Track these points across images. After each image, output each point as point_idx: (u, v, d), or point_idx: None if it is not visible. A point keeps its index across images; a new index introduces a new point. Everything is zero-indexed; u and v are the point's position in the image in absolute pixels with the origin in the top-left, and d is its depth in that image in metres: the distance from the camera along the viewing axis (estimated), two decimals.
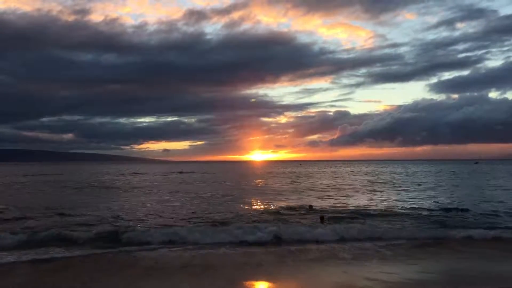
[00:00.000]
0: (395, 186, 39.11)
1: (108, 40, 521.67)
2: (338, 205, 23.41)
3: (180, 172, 78.93)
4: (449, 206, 22.01)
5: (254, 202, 24.00)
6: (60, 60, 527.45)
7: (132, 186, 41.27)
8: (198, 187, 39.27)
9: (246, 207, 21.76)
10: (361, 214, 19.61)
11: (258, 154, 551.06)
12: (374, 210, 21.16)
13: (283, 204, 23.07)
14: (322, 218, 17.43)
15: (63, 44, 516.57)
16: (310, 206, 21.25)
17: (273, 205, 22.40)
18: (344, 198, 27.66)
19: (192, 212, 20.05)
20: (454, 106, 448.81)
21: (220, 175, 68.25)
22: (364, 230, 14.92)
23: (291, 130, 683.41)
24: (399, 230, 15.22)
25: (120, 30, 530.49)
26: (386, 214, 19.61)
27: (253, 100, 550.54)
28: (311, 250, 12.67)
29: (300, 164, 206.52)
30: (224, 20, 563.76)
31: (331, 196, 29.15)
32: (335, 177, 61.20)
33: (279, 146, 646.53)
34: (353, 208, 21.91)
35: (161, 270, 10.29)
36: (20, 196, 29.61)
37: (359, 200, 26.15)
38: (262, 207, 21.94)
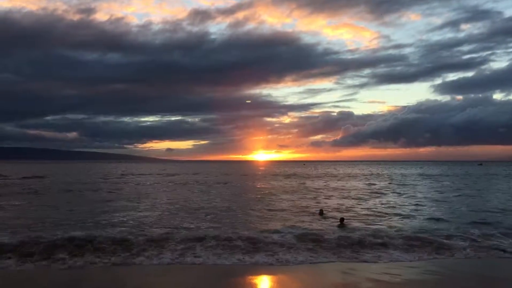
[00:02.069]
0: (414, 190, 38.63)
1: (113, 40, 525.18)
2: (349, 208, 23.26)
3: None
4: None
5: (260, 208, 23.42)
6: (65, 59, 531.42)
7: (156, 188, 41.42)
8: (204, 189, 39.46)
9: (252, 212, 21.31)
10: (376, 216, 19.82)
11: (261, 154, 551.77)
12: (388, 213, 21.14)
13: (291, 209, 22.77)
14: (342, 220, 17.26)
15: (68, 43, 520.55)
16: (321, 211, 20.75)
17: (281, 210, 22.00)
18: (354, 201, 27.48)
19: (206, 216, 19.95)
20: (458, 107, 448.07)
21: (224, 177, 68.36)
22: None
23: (294, 130, 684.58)
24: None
25: (125, 30, 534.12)
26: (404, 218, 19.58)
27: (248, 101, 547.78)
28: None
29: (304, 164, 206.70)
30: (228, 20, 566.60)
31: (339, 199, 28.97)
32: (342, 179, 61.23)
33: (282, 146, 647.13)
34: (366, 211, 21.88)
35: None
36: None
37: (370, 203, 26.00)
38: (270, 212, 21.42)
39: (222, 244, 12.80)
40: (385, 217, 19.75)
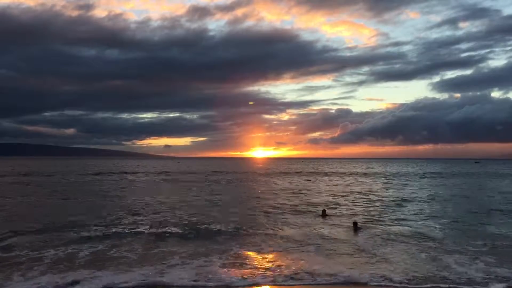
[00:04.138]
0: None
1: (111, 36, 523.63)
2: (352, 208, 23.26)
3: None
4: None
5: (263, 208, 23.41)
6: (63, 55, 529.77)
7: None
8: (207, 189, 39.23)
9: (256, 213, 21.29)
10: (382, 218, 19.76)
11: (259, 151, 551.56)
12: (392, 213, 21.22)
13: (293, 209, 22.75)
14: (355, 225, 16.96)
15: (66, 39, 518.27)
16: (324, 211, 20.78)
17: (284, 211, 21.95)
18: (356, 200, 27.58)
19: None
20: (456, 105, 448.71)
21: (224, 176, 67.99)
22: None
23: (292, 128, 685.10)
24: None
25: (123, 26, 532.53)
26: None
27: (251, 103, 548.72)
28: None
29: (302, 161, 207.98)
30: (227, 16, 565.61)
31: (340, 199, 28.92)
32: (342, 177, 61.17)
33: (280, 143, 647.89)
34: (370, 211, 21.92)
35: None
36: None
37: (374, 202, 26.11)
38: (277, 211, 21.42)
39: (231, 261, 11.71)
40: (400, 220, 19.31)
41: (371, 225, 17.74)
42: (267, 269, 10.89)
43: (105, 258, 11.92)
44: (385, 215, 20.58)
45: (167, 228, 16.80)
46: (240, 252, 12.80)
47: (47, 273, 10.40)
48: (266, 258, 12.08)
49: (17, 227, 16.45)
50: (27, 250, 12.74)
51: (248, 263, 11.52)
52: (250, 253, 12.69)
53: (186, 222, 18.29)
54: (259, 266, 11.17)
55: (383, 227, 17.33)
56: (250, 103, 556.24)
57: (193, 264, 11.38)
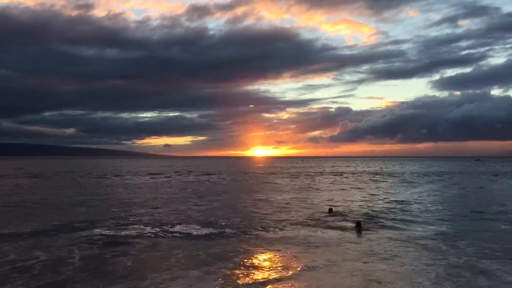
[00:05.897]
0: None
1: (111, 35, 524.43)
2: (357, 207, 22.86)
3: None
4: None
5: (268, 207, 22.89)
6: (63, 54, 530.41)
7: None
8: (209, 189, 38.76)
9: (261, 213, 20.70)
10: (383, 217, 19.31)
11: (259, 150, 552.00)
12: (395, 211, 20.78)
13: (296, 210, 21.96)
14: (358, 225, 16.23)
15: (66, 39, 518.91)
16: (330, 209, 20.48)
17: (289, 210, 21.52)
18: (357, 199, 27.17)
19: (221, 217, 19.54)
20: (456, 103, 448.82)
21: (225, 176, 67.53)
22: None
23: (292, 126, 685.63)
24: None
25: (123, 25, 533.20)
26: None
27: (251, 106, 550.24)
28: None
29: (302, 160, 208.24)
30: (227, 15, 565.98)
31: (340, 198, 28.29)
32: (343, 176, 60.63)
33: (280, 142, 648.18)
34: (374, 209, 21.51)
35: None
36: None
37: (377, 201, 25.72)
38: (278, 212, 20.98)
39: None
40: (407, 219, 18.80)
41: (375, 225, 17.04)
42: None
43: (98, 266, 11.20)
44: (389, 215, 19.86)
45: (166, 231, 16.05)
46: (242, 259, 11.83)
47: None
48: (273, 269, 10.95)
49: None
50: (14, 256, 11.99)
51: (252, 276, 10.30)
52: (254, 261, 11.62)
53: (187, 224, 17.47)
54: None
55: (390, 228, 16.60)
56: (251, 106, 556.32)
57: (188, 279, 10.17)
